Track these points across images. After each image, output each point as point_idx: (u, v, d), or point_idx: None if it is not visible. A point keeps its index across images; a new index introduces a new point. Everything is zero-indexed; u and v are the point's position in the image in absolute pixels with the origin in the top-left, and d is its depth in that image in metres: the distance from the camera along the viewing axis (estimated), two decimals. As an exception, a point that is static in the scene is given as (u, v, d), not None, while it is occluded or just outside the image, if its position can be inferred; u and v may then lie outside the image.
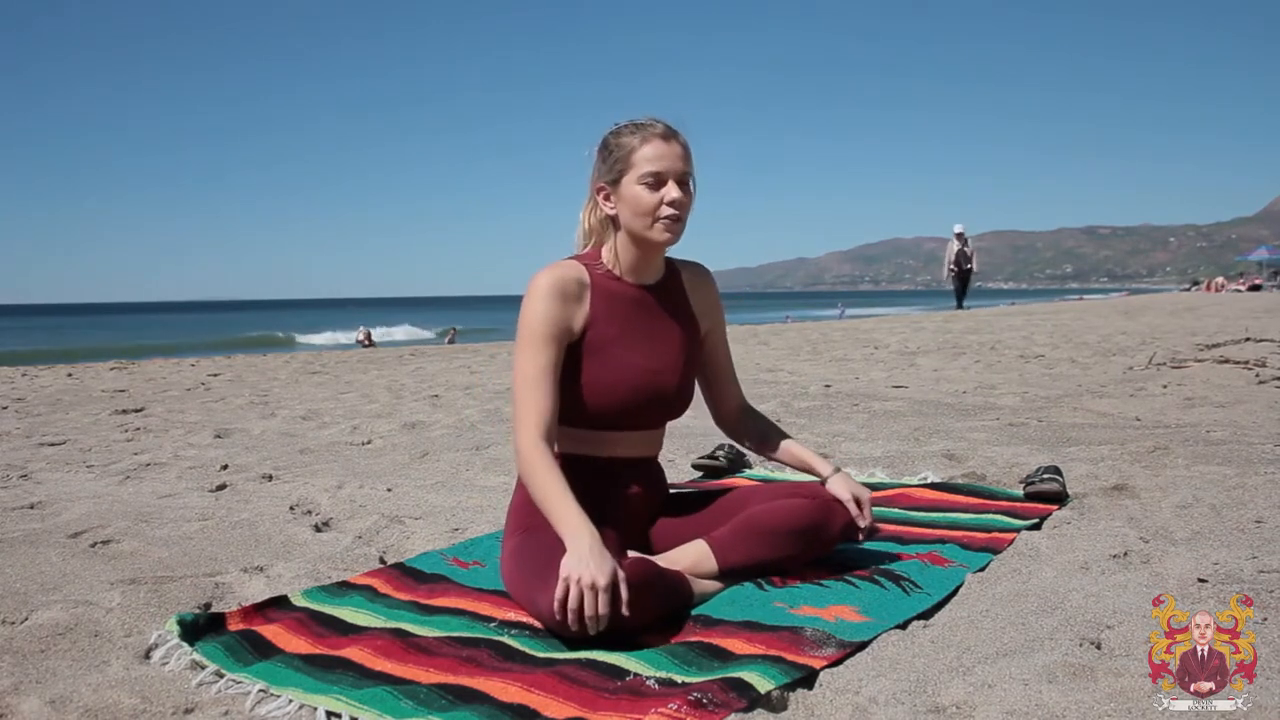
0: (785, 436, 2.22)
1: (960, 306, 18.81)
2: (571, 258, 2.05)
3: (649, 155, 1.93)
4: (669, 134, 1.96)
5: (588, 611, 1.66)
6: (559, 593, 1.68)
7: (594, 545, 1.72)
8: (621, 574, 1.70)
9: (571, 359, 1.98)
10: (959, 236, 18.21)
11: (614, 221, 2.02)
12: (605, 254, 2.05)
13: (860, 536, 2.09)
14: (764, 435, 2.24)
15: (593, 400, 1.98)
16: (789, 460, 2.20)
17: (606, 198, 2.00)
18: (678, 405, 2.10)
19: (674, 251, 2.15)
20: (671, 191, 1.94)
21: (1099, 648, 1.60)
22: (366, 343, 21.61)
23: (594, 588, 1.66)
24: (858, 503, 2.06)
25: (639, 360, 2.01)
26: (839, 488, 2.07)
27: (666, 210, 1.94)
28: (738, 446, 3.40)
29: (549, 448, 1.89)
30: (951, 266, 18.42)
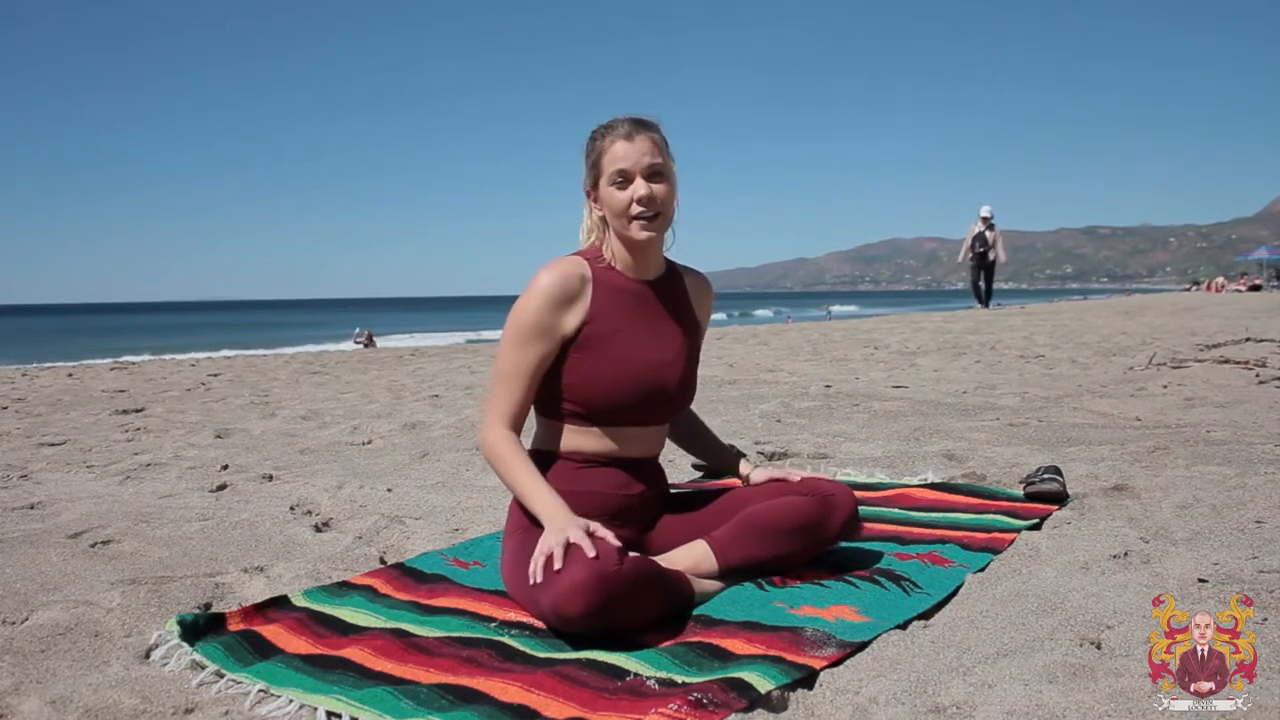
0: (710, 434, 2.34)
1: (984, 304, 16.22)
2: (575, 253, 2.08)
3: (615, 155, 1.98)
4: (631, 131, 1.98)
5: (556, 556, 1.72)
6: (535, 553, 1.77)
7: (568, 514, 1.82)
8: (598, 524, 1.80)
9: (573, 354, 1.99)
10: (984, 220, 15.79)
11: (604, 222, 2.07)
12: (605, 251, 2.08)
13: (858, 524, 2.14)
14: (694, 433, 2.34)
15: (595, 394, 1.99)
16: (711, 460, 2.33)
17: (595, 200, 2.05)
18: (679, 399, 2.11)
19: (678, 254, 2.18)
20: (639, 189, 1.96)
21: (1099, 648, 1.60)
22: (367, 343, 21.53)
23: (563, 530, 1.75)
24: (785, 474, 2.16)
25: (641, 353, 2.03)
26: (762, 476, 2.18)
27: (635, 209, 1.97)
28: (736, 446, 3.41)
29: (516, 436, 1.99)
30: (968, 251, 15.95)
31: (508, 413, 1.98)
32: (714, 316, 2.35)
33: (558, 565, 1.70)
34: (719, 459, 2.32)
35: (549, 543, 1.75)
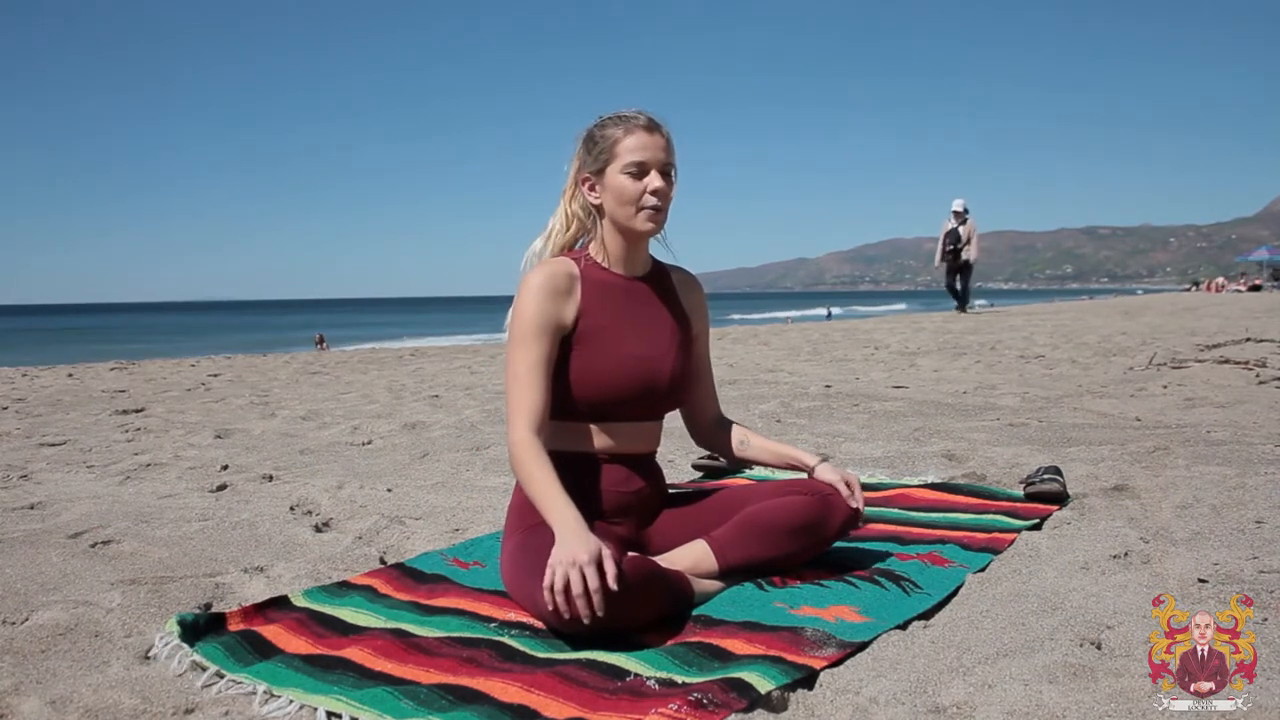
0: (763, 438, 2.25)
1: (960, 308, 15.06)
2: (559, 255, 2.08)
3: (633, 146, 1.98)
4: (652, 126, 2.01)
5: (575, 590, 1.66)
6: (546, 580, 1.69)
7: (579, 530, 1.74)
8: (607, 551, 1.71)
9: (564, 351, 2.00)
10: (956, 215, 14.28)
11: (599, 211, 2.06)
12: (593, 247, 2.09)
13: (858, 522, 2.11)
14: (741, 440, 2.25)
15: (587, 389, 1.99)
16: (772, 460, 2.22)
17: (591, 188, 2.04)
18: (671, 394, 2.10)
19: (664, 255, 2.20)
20: (654, 181, 1.98)
21: (1099, 648, 1.60)
22: (321, 346, 21.29)
23: (575, 564, 1.67)
24: (849, 488, 2.09)
25: (631, 348, 2.03)
26: (828, 475, 2.10)
27: (649, 199, 1.98)
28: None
29: (540, 441, 1.92)
30: (943, 251, 14.50)
31: (529, 414, 1.94)
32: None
33: (577, 590, 1.65)
34: (786, 459, 2.20)
35: (556, 570, 1.69)
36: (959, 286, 14.90)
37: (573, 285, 2.02)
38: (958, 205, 14.42)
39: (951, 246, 14.39)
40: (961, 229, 14.34)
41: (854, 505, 2.07)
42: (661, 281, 2.16)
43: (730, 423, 2.28)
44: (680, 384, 2.13)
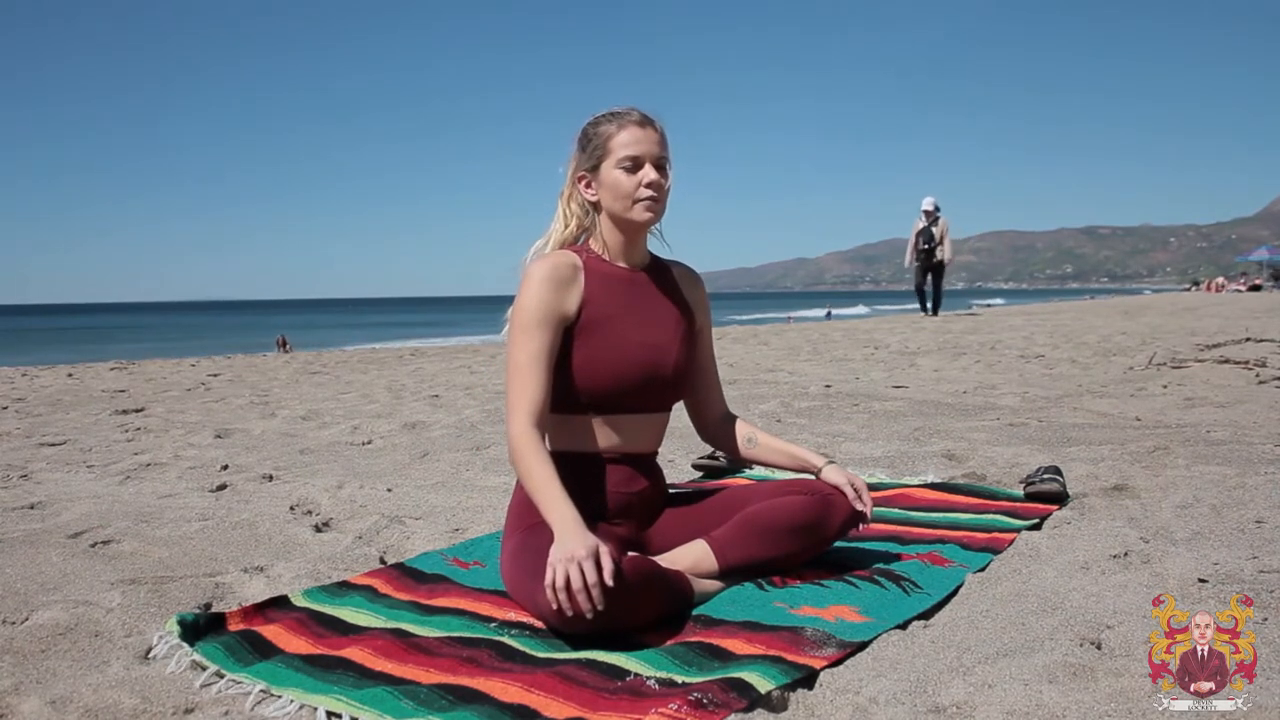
0: (771, 436, 2.24)
1: (926, 310, 14.57)
2: (561, 248, 2.09)
3: (626, 141, 1.99)
4: (644, 121, 2.01)
5: (575, 585, 1.66)
6: (548, 579, 1.69)
7: (577, 528, 1.74)
8: (604, 547, 1.71)
9: (568, 342, 2.00)
10: (927, 214, 13.85)
11: (596, 207, 2.07)
12: (592, 243, 2.10)
13: (861, 526, 2.11)
14: (747, 438, 2.24)
15: (592, 379, 1.99)
16: (779, 460, 2.21)
17: (588, 185, 2.05)
18: (676, 383, 2.10)
19: (663, 251, 2.20)
20: (649, 174, 1.99)
21: (1099, 648, 1.60)
22: (284, 347, 21.13)
23: (574, 559, 1.67)
24: (855, 490, 2.08)
25: (636, 336, 2.04)
26: (834, 477, 2.10)
27: (644, 192, 1.99)
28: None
29: (539, 434, 1.93)
30: (914, 251, 14.06)
31: (529, 406, 1.94)
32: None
33: (576, 585, 1.66)
34: (794, 459, 2.19)
35: (556, 568, 1.69)
36: (930, 288, 14.48)
37: (576, 276, 2.02)
38: (928, 204, 13.96)
39: (925, 246, 13.93)
40: (934, 228, 13.91)
41: (860, 509, 2.07)
42: (663, 274, 2.17)
43: (737, 420, 2.28)
44: (684, 374, 2.13)
